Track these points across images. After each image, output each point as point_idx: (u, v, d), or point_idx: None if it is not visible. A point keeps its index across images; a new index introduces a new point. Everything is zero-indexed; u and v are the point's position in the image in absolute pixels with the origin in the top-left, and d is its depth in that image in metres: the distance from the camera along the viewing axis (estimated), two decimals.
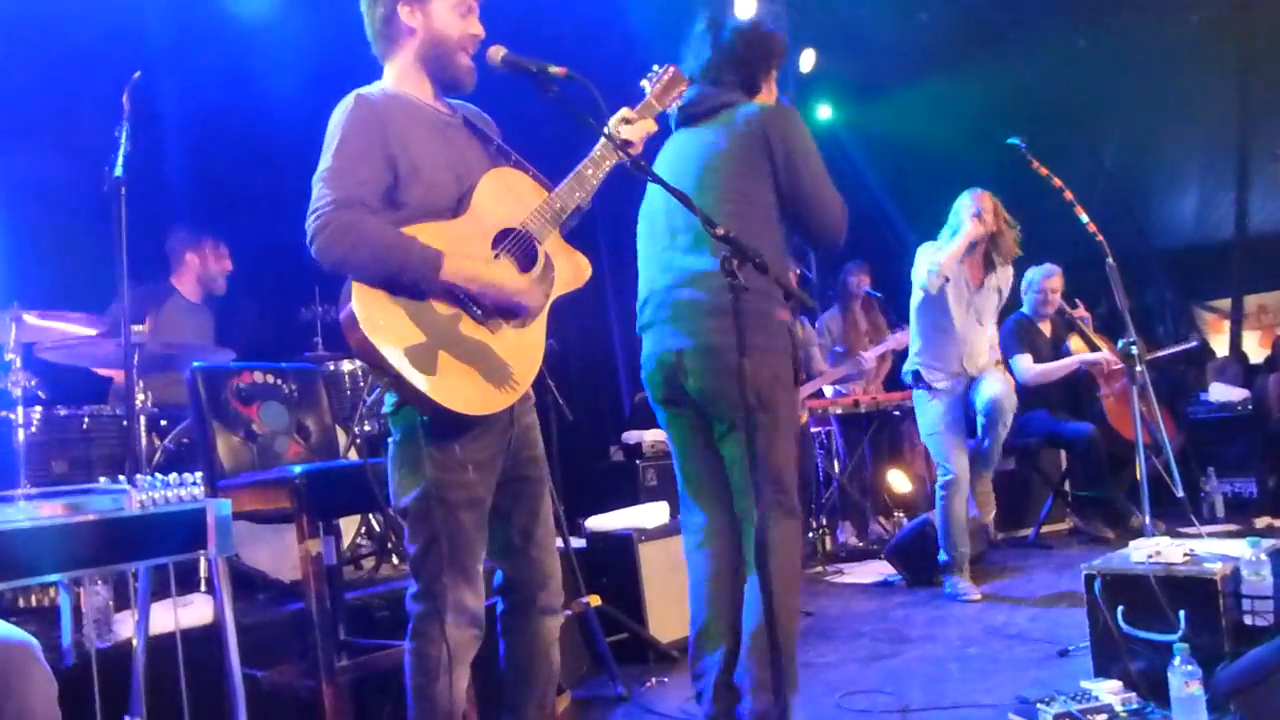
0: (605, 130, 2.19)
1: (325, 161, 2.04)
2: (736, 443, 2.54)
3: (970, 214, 4.39)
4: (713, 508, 2.71)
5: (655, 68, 2.46)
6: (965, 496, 4.40)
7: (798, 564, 2.68)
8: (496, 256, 2.12)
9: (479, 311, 2.05)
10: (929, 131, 7.41)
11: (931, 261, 4.36)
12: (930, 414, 4.48)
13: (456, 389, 1.97)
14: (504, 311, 2.08)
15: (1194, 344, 6.60)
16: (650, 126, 2.35)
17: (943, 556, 4.41)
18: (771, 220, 2.57)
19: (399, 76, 2.20)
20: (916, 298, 4.53)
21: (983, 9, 7.46)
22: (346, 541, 3.94)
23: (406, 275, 1.97)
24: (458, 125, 2.25)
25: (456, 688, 2.07)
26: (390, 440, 2.13)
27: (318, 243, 1.97)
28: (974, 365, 4.49)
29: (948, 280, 4.39)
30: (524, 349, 2.10)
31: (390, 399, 2.07)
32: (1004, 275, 4.61)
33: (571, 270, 2.23)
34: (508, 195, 2.18)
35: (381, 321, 1.95)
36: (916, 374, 4.54)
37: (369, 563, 4.08)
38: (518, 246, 2.14)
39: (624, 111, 2.32)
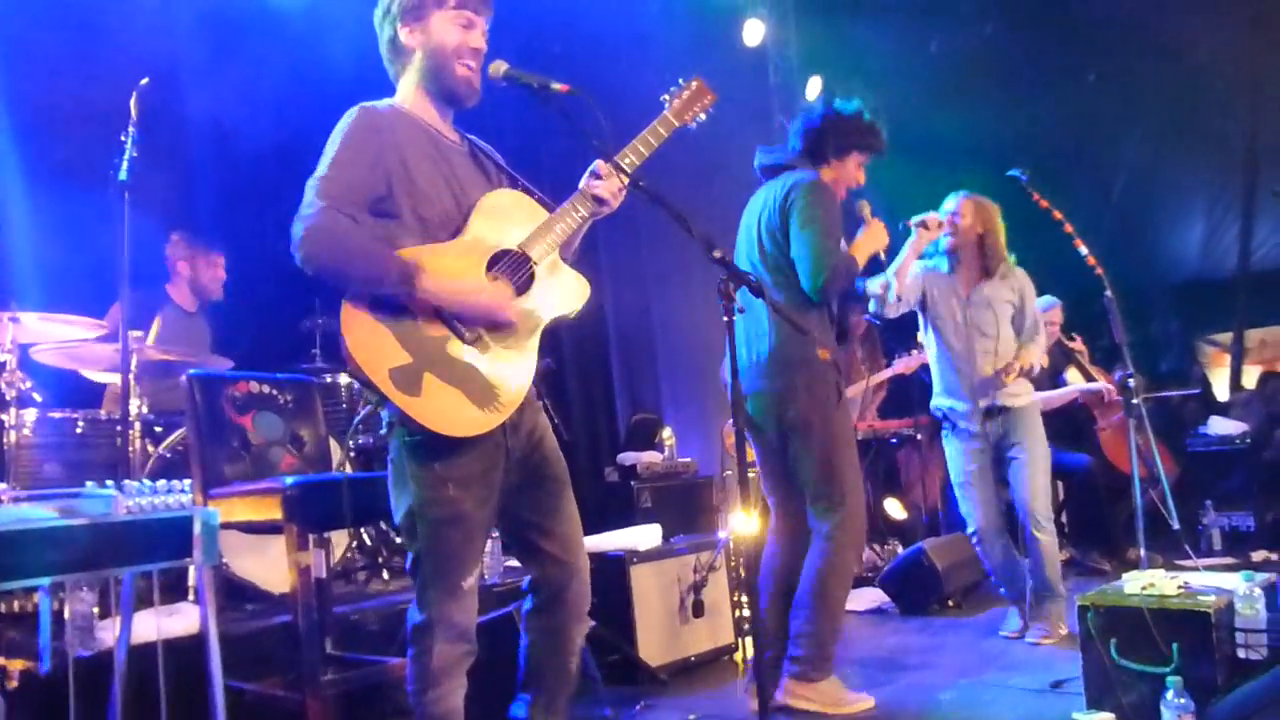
0: (613, 158, 2.18)
1: (320, 169, 2.07)
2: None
3: (915, 222, 3.83)
4: (777, 511, 3.33)
5: (680, 80, 2.39)
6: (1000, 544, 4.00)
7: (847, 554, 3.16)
8: (494, 279, 2.13)
9: (465, 332, 2.05)
10: (936, 162, 7.43)
11: (871, 282, 3.89)
12: (953, 460, 4.07)
13: (441, 410, 1.99)
14: (486, 324, 2.07)
15: (1196, 391, 6.59)
16: (617, 183, 2.19)
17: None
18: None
19: (405, 97, 2.24)
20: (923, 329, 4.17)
21: (992, 41, 7.50)
22: (338, 555, 3.92)
23: (383, 286, 1.98)
24: (460, 151, 2.26)
25: (448, 700, 2.10)
26: (388, 458, 2.16)
27: (301, 247, 1.99)
28: (981, 392, 3.94)
29: (904, 299, 3.91)
30: (513, 370, 2.10)
31: (384, 417, 2.10)
32: (1007, 282, 4.04)
33: (570, 291, 2.23)
34: (507, 216, 2.19)
35: (369, 344, 1.97)
36: (941, 413, 4.11)
37: (361, 576, 4.06)
38: (513, 268, 2.15)
39: (597, 164, 2.22)
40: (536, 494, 2.22)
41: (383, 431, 2.12)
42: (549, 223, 2.18)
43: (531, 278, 2.16)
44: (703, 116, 2.37)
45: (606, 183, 2.18)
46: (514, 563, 4.17)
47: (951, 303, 4.04)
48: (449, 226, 2.14)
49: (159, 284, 4.45)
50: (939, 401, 4.12)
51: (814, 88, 7.44)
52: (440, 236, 2.12)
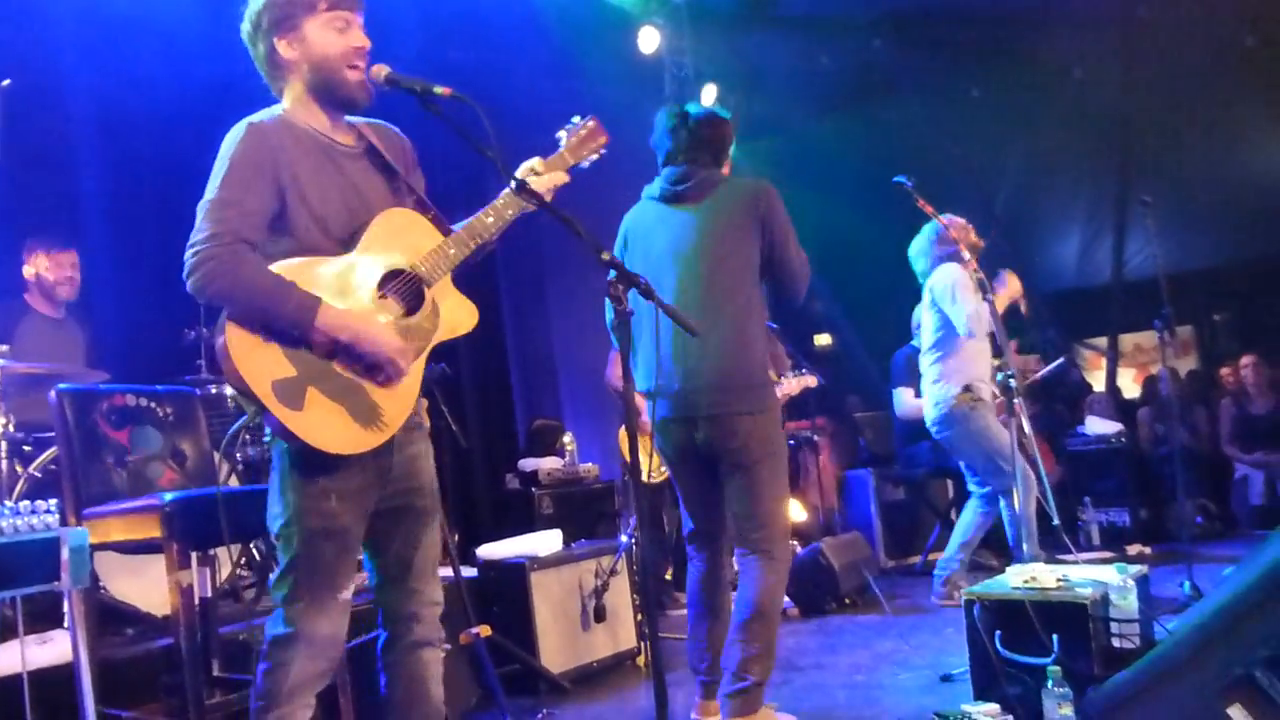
0: (514, 178, 2.16)
1: (210, 191, 1.99)
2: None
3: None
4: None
5: (575, 119, 2.39)
6: None
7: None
8: (383, 297, 2.09)
9: (350, 361, 2.01)
10: (826, 171, 7.60)
11: None
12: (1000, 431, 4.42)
13: (322, 426, 1.95)
14: (370, 369, 2.02)
15: (1060, 361, 6.78)
16: (560, 178, 2.30)
17: None
18: (758, 279, 3.01)
19: (292, 107, 2.16)
20: None
21: (882, 57, 7.71)
22: (226, 571, 3.78)
23: (280, 322, 1.95)
24: (356, 155, 2.20)
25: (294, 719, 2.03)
26: (272, 465, 2.09)
27: (194, 278, 1.94)
28: None
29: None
30: (397, 391, 2.07)
31: (266, 427, 2.03)
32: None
33: (458, 316, 2.21)
34: (401, 236, 2.15)
35: (253, 354, 1.93)
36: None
37: (250, 594, 3.92)
38: (405, 288, 2.12)
39: (533, 162, 2.29)
40: (400, 521, 2.18)
41: (266, 440, 2.06)
42: (444, 245, 2.16)
43: (421, 299, 2.13)
44: (595, 157, 2.39)
45: (542, 178, 2.24)
46: None
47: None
48: (342, 237, 2.09)
49: (15, 295, 4.19)
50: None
51: (709, 95, 7.53)
52: (334, 248, 2.08)
